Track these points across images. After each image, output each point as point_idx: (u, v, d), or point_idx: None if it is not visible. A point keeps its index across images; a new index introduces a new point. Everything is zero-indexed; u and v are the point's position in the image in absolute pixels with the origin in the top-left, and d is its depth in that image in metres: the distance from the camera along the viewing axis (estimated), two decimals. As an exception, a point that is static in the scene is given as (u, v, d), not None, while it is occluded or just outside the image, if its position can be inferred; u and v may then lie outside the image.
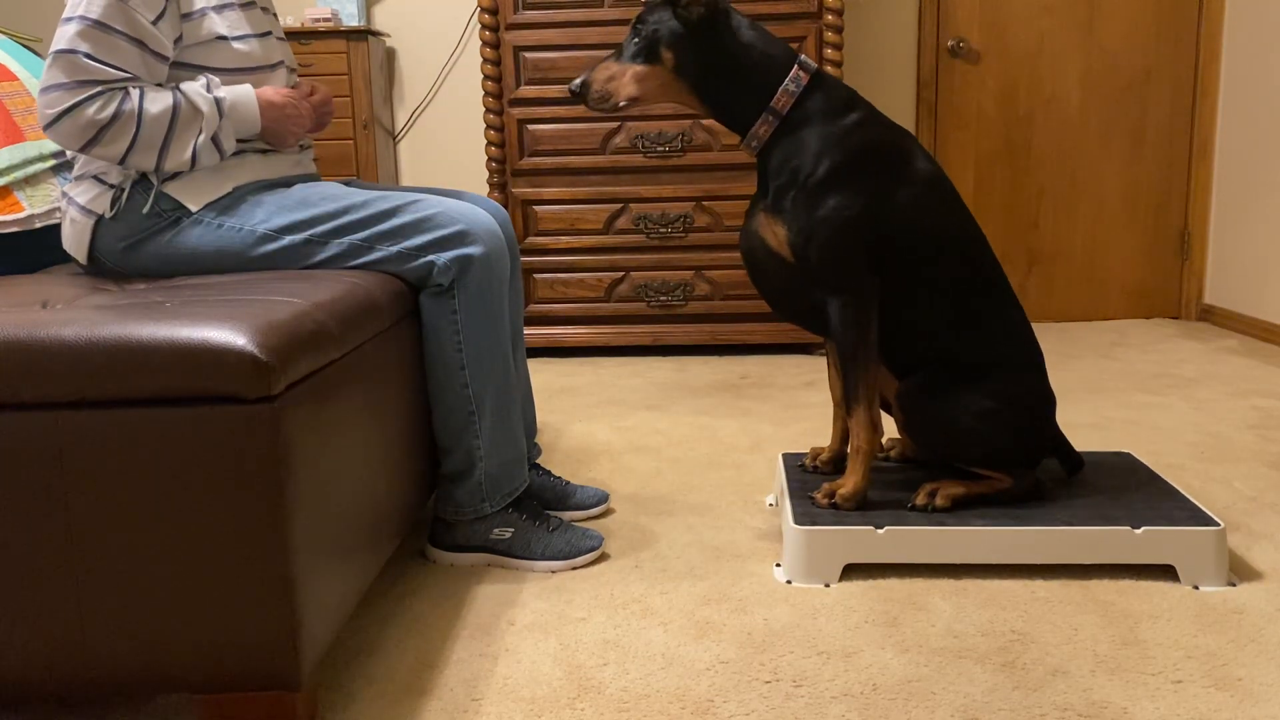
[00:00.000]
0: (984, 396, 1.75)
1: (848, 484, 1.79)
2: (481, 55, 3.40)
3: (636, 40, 1.75)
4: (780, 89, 1.73)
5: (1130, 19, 3.90)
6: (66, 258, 1.91)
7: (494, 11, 3.36)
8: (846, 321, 1.74)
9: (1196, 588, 1.66)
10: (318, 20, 3.77)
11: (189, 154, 1.62)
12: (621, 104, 1.77)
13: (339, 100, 3.76)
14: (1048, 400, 1.83)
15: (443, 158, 4.13)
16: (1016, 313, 1.82)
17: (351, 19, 3.85)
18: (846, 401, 1.80)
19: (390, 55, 4.08)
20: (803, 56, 1.76)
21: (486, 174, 3.53)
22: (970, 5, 3.92)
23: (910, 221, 1.74)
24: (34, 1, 4.02)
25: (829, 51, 3.31)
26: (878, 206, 1.72)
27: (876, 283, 1.75)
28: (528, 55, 3.40)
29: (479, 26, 3.39)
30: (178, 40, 1.65)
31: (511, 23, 3.38)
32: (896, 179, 1.74)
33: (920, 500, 1.77)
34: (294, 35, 3.74)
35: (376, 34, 3.93)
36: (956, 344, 1.78)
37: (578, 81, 1.77)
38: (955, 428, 1.76)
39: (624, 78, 1.75)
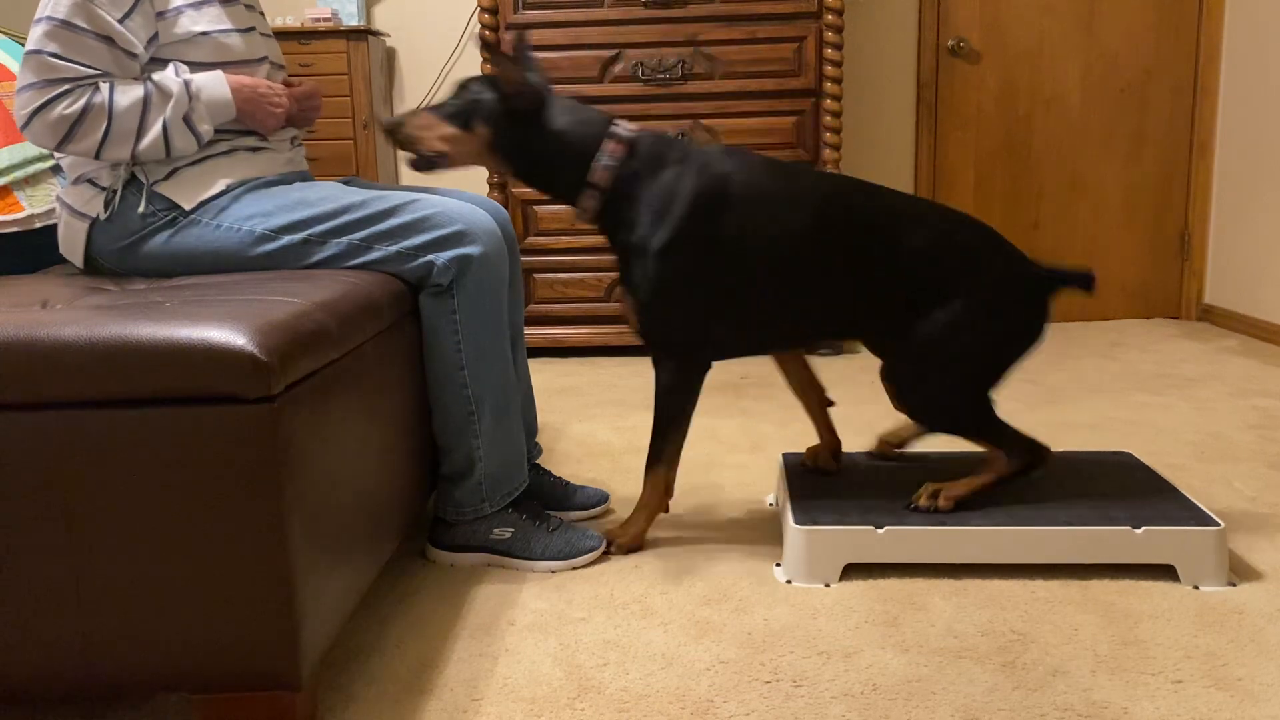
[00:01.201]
0: (947, 339, 1.73)
1: (627, 532, 1.86)
2: (481, 55, 3.40)
3: (455, 103, 1.76)
4: (598, 165, 1.74)
5: (1130, 19, 3.90)
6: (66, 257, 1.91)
7: (494, 11, 3.36)
8: (669, 388, 1.80)
9: (1197, 588, 1.66)
10: (318, 20, 3.77)
11: (158, 131, 1.61)
12: (428, 154, 1.78)
13: (339, 100, 3.76)
14: (1022, 295, 1.78)
15: (443, 158, 4.13)
16: (960, 234, 1.77)
17: (351, 19, 3.85)
18: (648, 460, 1.85)
19: (390, 55, 4.08)
20: (615, 126, 1.77)
21: (486, 173, 3.53)
22: (970, 5, 3.92)
23: (756, 239, 1.72)
24: (34, 2, 4.01)
25: (829, 51, 3.31)
26: (707, 255, 1.72)
27: (706, 353, 1.79)
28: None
29: (479, 26, 3.39)
30: (154, 38, 1.65)
31: (511, 23, 3.38)
32: (719, 213, 1.72)
33: (923, 502, 1.76)
34: (294, 35, 3.74)
35: (376, 34, 3.93)
36: (900, 306, 1.76)
37: (393, 120, 1.79)
38: (929, 379, 1.75)
39: (434, 132, 1.77)
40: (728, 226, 1.72)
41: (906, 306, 1.75)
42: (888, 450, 2.05)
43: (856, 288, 1.75)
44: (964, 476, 1.79)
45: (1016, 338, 1.78)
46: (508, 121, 1.74)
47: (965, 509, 1.75)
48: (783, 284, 1.74)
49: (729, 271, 1.73)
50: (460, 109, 1.75)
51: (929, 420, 1.81)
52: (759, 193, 1.74)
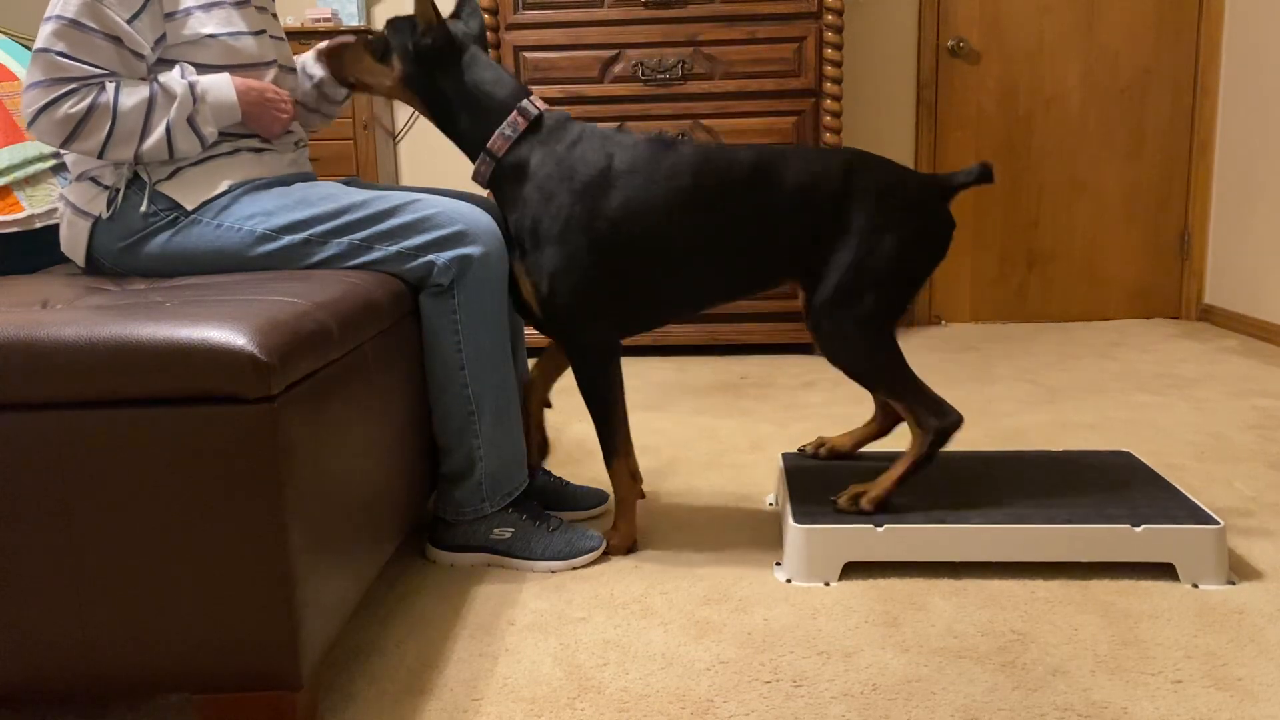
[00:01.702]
0: (855, 271, 1.72)
1: (618, 532, 1.86)
2: None
3: (380, 38, 1.85)
4: (496, 132, 1.78)
5: (1130, 19, 3.90)
6: (67, 257, 1.91)
7: (494, 11, 3.36)
8: (590, 376, 1.81)
9: (1196, 586, 1.66)
10: (318, 20, 3.77)
11: (162, 132, 1.62)
12: (351, 81, 1.91)
13: (339, 100, 3.76)
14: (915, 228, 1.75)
15: (443, 158, 4.13)
16: (831, 160, 1.77)
17: (351, 19, 3.85)
18: (604, 456, 1.86)
19: (390, 55, 4.08)
20: (528, 102, 1.80)
21: (486, 174, 3.53)
22: (970, 5, 3.92)
23: (646, 215, 1.74)
24: (34, 2, 4.02)
25: (829, 51, 3.31)
26: (601, 238, 1.73)
27: (617, 332, 1.81)
28: (528, 55, 3.40)
29: (479, 26, 3.39)
30: (161, 39, 1.65)
31: (511, 23, 3.38)
32: (606, 195, 1.74)
33: (843, 503, 1.77)
34: (294, 35, 3.74)
35: (376, 34, 3.93)
36: (800, 249, 1.76)
37: (333, 44, 1.92)
38: (840, 316, 1.74)
39: (360, 63, 1.87)
40: (617, 206, 1.73)
41: (807, 248, 1.75)
42: (820, 453, 2.07)
43: (750, 241, 1.76)
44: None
45: (917, 251, 1.76)
46: (420, 61, 1.80)
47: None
48: (678, 253, 1.76)
49: (626, 251, 1.74)
50: (379, 44, 1.83)
51: (843, 361, 1.77)
52: (640, 168, 1.75)
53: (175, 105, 1.62)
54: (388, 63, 1.82)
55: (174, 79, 1.64)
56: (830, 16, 3.30)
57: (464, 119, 1.80)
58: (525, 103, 1.79)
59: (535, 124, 1.79)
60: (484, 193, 2.06)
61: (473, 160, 1.82)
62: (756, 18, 3.34)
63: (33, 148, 1.92)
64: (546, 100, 3.41)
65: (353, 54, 1.87)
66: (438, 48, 1.78)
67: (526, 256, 1.76)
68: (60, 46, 1.56)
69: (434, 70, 1.79)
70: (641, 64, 3.38)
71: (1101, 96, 3.95)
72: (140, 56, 1.63)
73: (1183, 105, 3.95)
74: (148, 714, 1.37)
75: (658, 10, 3.36)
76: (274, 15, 1.88)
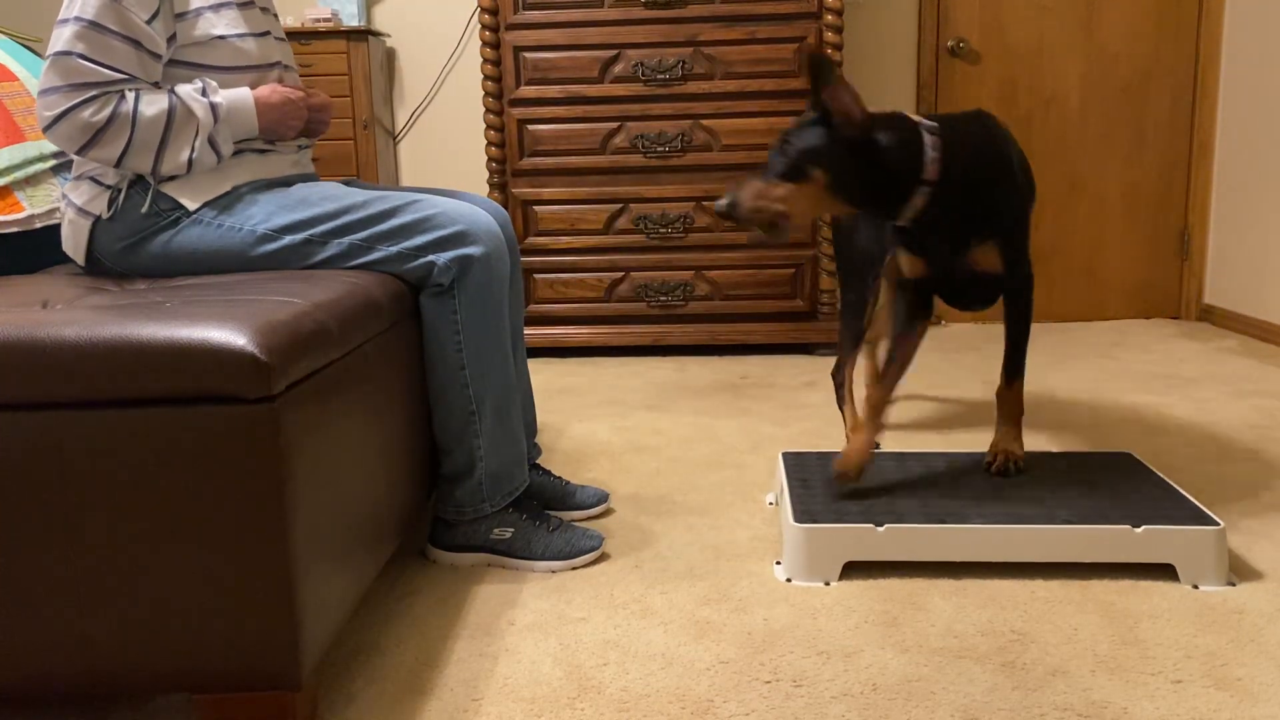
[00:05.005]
0: None
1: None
2: (481, 55, 3.40)
3: (782, 159, 1.72)
4: (926, 161, 1.75)
5: (1130, 19, 3.90)
6: (67, 258, 1.91)
7: (494, 11, 3.37)
8: (1030, 306, 2.18)
9: (1196, 587, 1.66)
10: (318, 20, 3.77)
11: (185, 158, 1.62)
12: (769, 221, 1.72)
13: (339, 100, 3.76)
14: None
15: (443, 158, 4.13)
16: None
17: (351, 19, 3.85)
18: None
19: (390, 55, 4.08)
20: (916, 119, 1.80)
21: (486, 174, 3.53)
22: (970, 5, 3.92)
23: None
24: (34, 1, 4.02)
25: (829, 51, 3.31)
26: (1028, 195, 2.13)
27: None
28: (528, 55, 3.40)
29: (479, 26, 3.39)
30: (171, 39, 1.65)
31: (511, 23, 3.38)
32: (1022, 158, 2.10)
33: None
34: (294, 35, 3.74)
35: (376, 34, 3.93)
36: None
37: (726, 202, 1.71)
38: None
39: (771, 194, 1.70)
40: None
41: None
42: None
43: None
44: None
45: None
46: (843, 156, 1.72)
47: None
48: None
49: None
50: (791, 162, 1.70)
51: None
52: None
53: (197, 130, 1.61)
54: (803, 178, 1.70)
55: (194, 97, 1.62)
56: (830, 16, 3.30)
57: (885, 177, 1.75)
58: (918, 121, 1.77)
59: (939, 131, 1.77)
60: (485, 192, 2.05)
61: (891, 215, 1.79)
62: (756, 18, 3.34)
63: (33, 148, 1.92)
64: (547, 102, 3.43)
65: (755, 190, 1.70)
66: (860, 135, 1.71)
67: (1000, 235, 1.93)
68: (80, 49, 1.55)
69: (856, 159, 1.72)
70: (641, 64, 3.38)
71: (1101, 96, 3.95)
72: (157, 58, 1.63)
73: (1183, 105, 3.94)
74: (148, 714, 1.37)
75: (658, 10, 3.36)
76: (275, 16, 1.88)
